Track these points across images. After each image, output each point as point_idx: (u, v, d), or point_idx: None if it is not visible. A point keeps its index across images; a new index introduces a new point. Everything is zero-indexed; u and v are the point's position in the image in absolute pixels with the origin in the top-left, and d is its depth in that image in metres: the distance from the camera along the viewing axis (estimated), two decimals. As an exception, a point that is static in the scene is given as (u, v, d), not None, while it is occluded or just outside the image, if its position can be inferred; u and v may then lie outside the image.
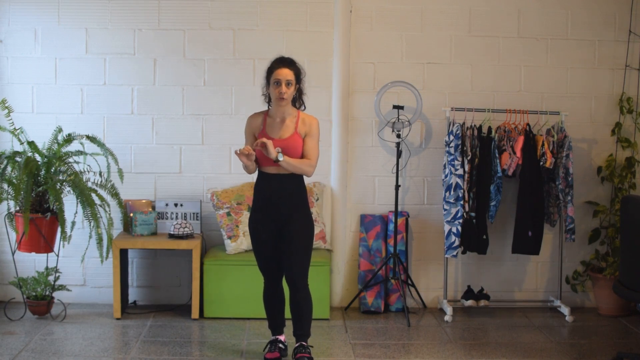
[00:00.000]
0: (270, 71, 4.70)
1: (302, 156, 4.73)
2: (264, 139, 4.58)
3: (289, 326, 5.02)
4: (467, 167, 5.97)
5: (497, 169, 5.96)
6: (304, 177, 4.76)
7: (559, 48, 6.34)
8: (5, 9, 6.08)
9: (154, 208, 6.16)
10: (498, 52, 6.32)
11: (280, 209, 4.71)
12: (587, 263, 6.39)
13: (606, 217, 6.36)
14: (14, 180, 5.47)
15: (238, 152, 4.57)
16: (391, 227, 6.18)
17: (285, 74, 4.65)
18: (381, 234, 6.25)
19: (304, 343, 4.83)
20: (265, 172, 4.73)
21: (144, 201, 6.16)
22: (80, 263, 6.01)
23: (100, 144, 5.76)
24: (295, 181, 4.73)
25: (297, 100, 4.84)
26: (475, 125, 6.03)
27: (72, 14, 6.11)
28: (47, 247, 5.63)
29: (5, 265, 6.15)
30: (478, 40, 6.30)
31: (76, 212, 5.62)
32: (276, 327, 5.00)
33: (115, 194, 5.82)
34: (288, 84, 4.65)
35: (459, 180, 5.92)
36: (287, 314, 4.96)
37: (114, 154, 5.79)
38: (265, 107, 4.90)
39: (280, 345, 4.98)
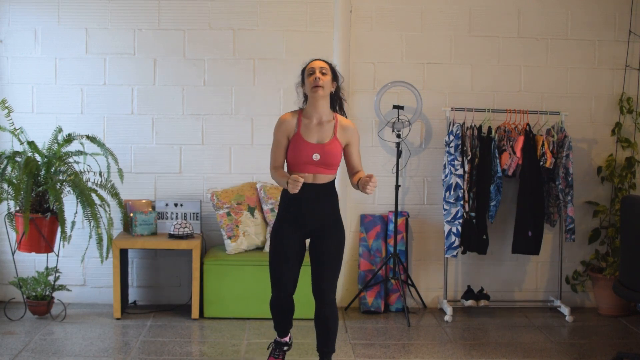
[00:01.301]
0: (304, 70, 4.35)
1: (350, 166, 4.41)
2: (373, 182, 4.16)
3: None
4: (467, 167, 5.97)
5: (497, 169, 5.97)
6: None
7: (559, 48, 6.34)
8: (5, 9, 6.08)
9: (154, 208, 6.16)
10: (498, 52, 6.32)
11: (313, 221, 4.34)
12: (587, 263, 6.39)
13: (606, 217, 6.36)
14: (14, 180, 5.47)
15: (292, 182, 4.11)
16: (391, 227, 6.18)
17: (319, 63, 4.29)
18: (381, 234, 6.25)
19: None
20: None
21: (144, 201, 6.16)
22: (80, 263, 6.01)
23: (100, 144, 5.76)
24: (330, 190, 4.36)
25: (336, 104, 4.42)
26: (475, 125, 6.03)
27: (72, 14, 6.11)
28: (47, 247, 5.63)
29: (5, 265, 6.15)
30: (478, 40, 6.31)
31: (76, 212, 5.63)
32: (283, 330, 4.66)
33: (115, 194, 5.82)
34: (322, 72, 4.25)
35: (459, 180, 5.92)
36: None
37: (114, 154, 5.79)
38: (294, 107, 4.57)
39: (286, 347, 4.72)
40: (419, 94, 6.16)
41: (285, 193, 4.37)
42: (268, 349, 4.82)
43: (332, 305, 4.41)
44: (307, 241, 4.49)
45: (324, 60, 4.35)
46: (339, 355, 5.12)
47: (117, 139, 6.12)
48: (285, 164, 4.40)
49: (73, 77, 6.15)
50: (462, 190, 5.93)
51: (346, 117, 4.46)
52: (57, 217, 5.49)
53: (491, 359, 5.13)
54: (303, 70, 4.36)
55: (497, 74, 6.33)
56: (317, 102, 4.28)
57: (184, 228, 5.90)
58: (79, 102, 6.16)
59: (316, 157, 4.25)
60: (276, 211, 5.97)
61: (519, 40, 6.32)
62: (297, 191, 4.10)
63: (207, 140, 6.22)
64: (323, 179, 4.32)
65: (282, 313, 4.54)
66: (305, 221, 4.34)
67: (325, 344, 4.48)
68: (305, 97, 4.39)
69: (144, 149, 6.21)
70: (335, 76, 4.35)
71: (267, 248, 6.00)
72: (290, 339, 4.75)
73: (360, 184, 4.20)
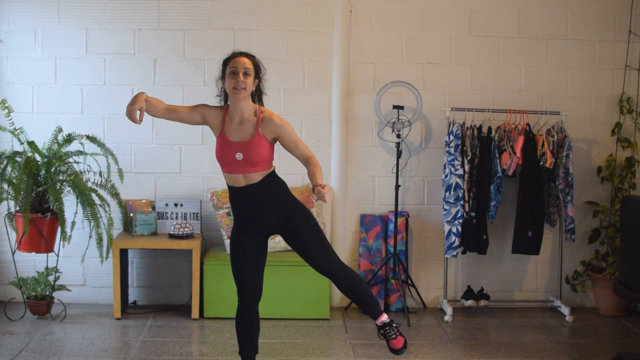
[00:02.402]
0: (225, 62, 4.12)
1: (297, 155, 4.19)
2: (328, 191, 3.95)
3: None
4: (467, 167, 5.97)
5: (497, 169, 5.97)
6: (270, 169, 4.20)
7: (559, 48, 6.34)
8: (5, 9, 6.09)
9: (154, 208, 6.16)
10: (498, 52, 6.32)
11: (266, 217, 4.17)
12: (587, 263, 6.39)
13: (606, 217, 6.36)
14: (14, 180, 5.47)
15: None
16: (391, 227, 6.18)
17: (243, 61, 4.06)
18: (381, 234, 6.25)
19: (386, 321, 4.27)
20: (234, 187, 4.16)
21: (144, 201, 6.16)
22: (80, 263, 6.01)
23: (100, 144, 5.76)
24: (270, 183, 4.17)
25: (255, 97, 4.22)
26: (475, 125, 6.03)
27: (72, 14, 6.11)
28: (47, 247, 5.63)
29: (5, 265, 6.15)
30: (478, 40, 6.31)
31: (76, 212, 5.63)
32: (248, 354, 4.34)
33: (115, 194, 5.82)
34: (246, 73, 4.05)
35: (459, 180, 5.92)
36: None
37: (114, 154, 5.79)
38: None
39: None
40: (418, 94, 6.16)
41: (230, 197, 4.24)
42: None
43: (346, 272, 4.23)
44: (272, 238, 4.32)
45: (247, 56, 4.13)
46: (338, 356, 5.12)
47: (117, 139, 6.12)
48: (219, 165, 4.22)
49: (73, 77, 6.15)
50: (462, 190, 5.93)
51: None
52: (57, 217, 5.49)
53: (491, 359, 5.13)
54: (225, 63, 4.13)
55: (497, 74, 6.33)
56: (238, 102, 4.10)
57: (184, 228, 5.90)
58: (79, 102, 6.17)
59: (239, 156, 4.07)
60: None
61: (519, 40, 6.32)
62: (130, 116, 3.96)
63: (207, 140, 6.22)
64: (254, 177, 4.12)
65: (247, 326, 4.29)
66: (260, 221, 4.19)
67: (367, 303, 4.29)
68: (225, 93, 4.20)
69: (144, 149, 6.21)
70: (257, 73, 4.15)
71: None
72: None
73: (317, 195, 4.01)
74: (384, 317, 4.31)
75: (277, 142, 4.20)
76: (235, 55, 4.13)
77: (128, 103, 4.00)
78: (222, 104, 4.24)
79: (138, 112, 4.00)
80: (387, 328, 4.28)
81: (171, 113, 4.19)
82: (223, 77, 4.15)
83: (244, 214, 4.20)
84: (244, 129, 4.11)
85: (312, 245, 4.20)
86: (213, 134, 4.23)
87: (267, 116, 4.14)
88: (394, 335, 4.30)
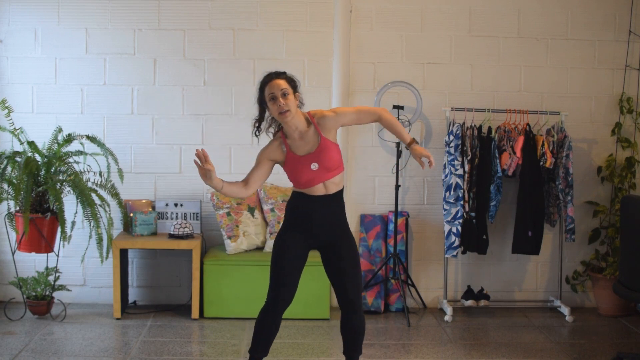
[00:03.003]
0: (261, 89, 4.14)
1: (364, 118, 4.25)
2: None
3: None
4: (467, 167, 5.97)
5: (497, 169, 5.97)
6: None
7: (559, 48, 6.34)
8: (5, 9, 6.09)
9: (154, 208, 6.16)
10: (498, 52, 6.32)
11: (324, 234, 4.22)
12: (587, 263, 6.39)
13: (606, 217, 6.36)
14: (14, 180, 5.47)
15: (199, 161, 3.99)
16: (391, 227, 6.18)
17: (278, 84, 4.06)
18: (381, 234, 6.25)
19: None
20: (311, 195, 4.17)
21: (144, 201, 6.16)
22: (80, 263, 6.01)
23: (100, 144, 5.76)
24: (340, 200, 4.23)
25: None
26: (475, 125, 6.03)
27: (72, 14, 6.11)
28: (47, 247, 5.63)
29: (5, 265, 6.15)
30: (478, 40, 6.31)
31: (76, 212, 5.63)
32: (259, 355, 4.31)
33: (115, 194, 5.82)
34: (284, 94, 4.05)
35: (459, 180, 5.92)
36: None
37: (114, 154, 5.79)
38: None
39: None
40: (418, 94, 6.16)
41: (293, 203, 4.26)
42: None
43: (360, 313, 4.30)
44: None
45: (279, 76, 4.13)
46: (338, 356, 5.12)
47: (117, 139, 6.12)
48: (294, 186, 4.25)
49: (73, 77, 6.15)
50: (462, 190, 5.94)
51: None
52: (57, 217, 5.49)
53: (491, 359, 5.13)
54: (260, 89, 4.14)
55: (497, 74, 6.33)
56: (289, 123, 4.11)
57: (184, 228, 5.90)
58: (79, 102, 6.17)
59: (315, 166, 4.11)
60: (276, 211, 5.98)
61: (519, 40, 6.32)
62: (205, 177, 3.99)
63: (207, 140, 6.22)
64: (333, 185, 4.17)
65: (268, 330, 4.27)
66: (316, 233, 4.21)
67: (354, 349, 4.37)
68: (262, 112, 4.19)
69: (144, 149, 6.21)
70: (294, 88, 4.14)
71: (267, 248, 6.00)
72: None
73: (418, 160, 4.21)
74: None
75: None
76: (267, 80, 4.13)
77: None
78: (257, 125, 4.21)
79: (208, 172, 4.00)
80: None
81: (250, 188, 4.20)
82: (261, 102, 4.14)
83: (305, 219, 4.21)
84: (308, 142, 4.15)
85: (349, 273, 4.24)
86: (280, 166, 4.24)
87: (319, 117, 4.18)
88: None
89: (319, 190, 4.17)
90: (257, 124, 4.21)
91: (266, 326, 4.26)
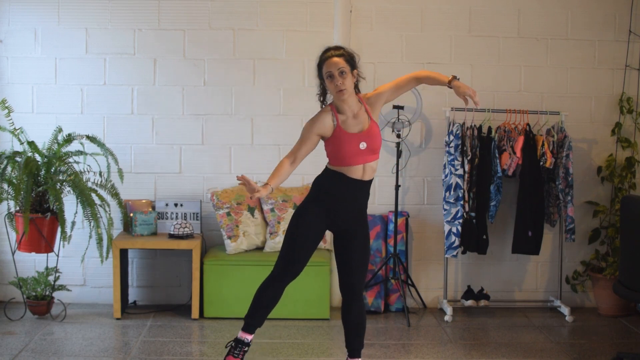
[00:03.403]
0: (319, 66, 4.21)
1: (406, 83, 4.36)
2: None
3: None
4: (467, 167, 5.97)
5: (497, 169, 5.97)
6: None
7: (559, 48, 6.34)
8: (5, 8, 6.08)
9: (153, 208, 6.16)
10: (498, 52, 6.32)
11: (344, 220, 4.27)
12: (587, 263, 6.39)
13: (606, 217, 6.36)
14: (14, 180, 5.47)
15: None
16: (391, 227, 6.18)
17: (336, 62, 4.13)
18: (381, 233, 6.25)
19: None
20: (345, 175, 4.19)
21: (144, 201, 6.16)
22: (80, 263, 6.01)
23: (100, 144, 5.76)
24: (369, 190, 4.31)
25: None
26: (475, 125, 6.03)
27: (72, 14, 6.11)
28: (47, 247, 5.63)
29: (5, 265, 6.15)
30: (478, 40, 6.31)
31: (76, 212, 5.63)
32: (254, 325, 4.40)
33: (115, 194, 5.82)
34: (342, 72, 4.12)
35: (459, 180, 5.92)
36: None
37: (114, 154, 5.79)
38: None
39: (246, 348, 4.42)
40: (418, 94, 6.16)
41: (326, 180, 4.27)
42: (226, 347, 4.51)
43: (362, 303, 4.39)
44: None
45: (338, 53, 4.19)
46: (338, 356, 5.12)
47: (117, 139, 6.12)
48: (331, 161, 4.27)
49: (73, 77, 6.15)
50: (462, 190, 5.93)
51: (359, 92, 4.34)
52: (57, 217, 5.49)
53: (491, 359, 5.13)
54: (319, 66, 4.22)
55: (497, 74, 6.33)
56: (345, 101, 4.19)
57: (184, 228, 5.90)
58: (79, 102, 6.16)
59: (363, 145, 4.17)
60: (276, 211, 5.98)
61: (519, 40, 6.32)
62: (253, 198, 4.06)
63: (207, 140, 6.22)
64: (370, 171, 4.24)
65: (268, 300, 4.35)
66: (339, 215, 4.26)
67: (356, 340, 4.41)
68: (323, 89, 4.29)
69: (144, 149, 6.21)
70: (352, 65, 4.20)
71: (267, 248, 6.00)
72: (251, 340, 4.47)
73: (464, 96, 4.28)
74: (360, 354, 4.45)
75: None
76: (325, 58, 4.20)
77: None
78: (321, 100, 4.31)
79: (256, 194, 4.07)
80: None
81: (296, 164, 4.25)
82: (320, 77, 4.23)
83: (333, 199, 4.24)
84: (360, 121, 4.22)
85: (359, 264, 4.32)
86: (322, 140, 4.26)
87: (367, 99, 4.28)
88: None
89: (357, 172, 4.21)
90: (321, 99, 4.32)
91: (268, 297, 4.36)
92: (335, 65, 4.13)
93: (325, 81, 4.18)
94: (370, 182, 4.29)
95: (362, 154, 4.19)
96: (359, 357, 4.45)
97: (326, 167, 4.31)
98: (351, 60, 4.20)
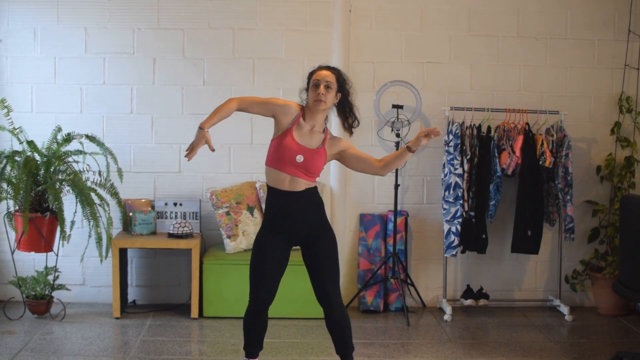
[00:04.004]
0: (310, 75, 4.27)
1: (364, 161, 4.30)
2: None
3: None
4: (466, 167, 5.97)
5: (497, 168, 5.97)
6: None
7: (558, 47, 6.34)
8: (5, 8, 6.08)
9: (153, 207, 6.16)
10: (497, 51, 6.32)
11: (299, 229, 4.24)
12: (586, 262, 6.39)
13: (605, 217, 6.36)
14: (13, 180, 5.47)
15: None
16: (390, 226, 6.18)
17: (326, 75, 4.20)
18: (380, 233, 6.25)
19: None
20: (278, 189, 4.20)
21: (143, 200, 6.16)
22: (80, 262, 6.01)
23: (100, 144, 5.76)
24: (312, 198, 4.26)
25: (345, 117, 4.33)
26: (474, 125, 6.03)
27: (72, 14, 6.11)
28: (47, 247, 5.63)
29: (5, 265, 6.15)
30: (477, 39, 6.31)
31: (75, 211, 5.62)
32: (254, 350, 4.42)
33: (114, 194, 5.82)
34: (327, 86, 4.16)
35: (458, 180, 5.93)
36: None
37: (113, 154, 5.79)
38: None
39: None
40: (418, 94, 6.16)
41: (268, 202, 4.29)
42: None
43: (340, 308, 4.38)
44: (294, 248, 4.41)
45: (332, 71, 4.26)
46: (337, 355, 5.11)
47: (116, 139, 6.12)
48: (268, 160, 4.26)
49: (72, 77, 6.15)
50: (461, 190, 5.94)
51: (357, 122, 4.36)
52: (57, 217, 5.49)
53: (490, 358, 5.13)
54: (310, 75, 4.28)
55: (496, 74, 6.33)
56: (316, 114, 4.22)
57: (183, 227, 5.90)
58: (79, 101, 6.16)
59: (300, 158, 4.16)
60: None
61: (518, 40, 6.32)
62: (190, 153, 4.08)
63: (206, 140, 6.21)
64: (300, 184, 4.20)
65: (256, 328, 4.37)
66: (291, 230, 4.25)
67: (344, 346, 4.43)
68: (307, 103, 4.29)
69: (143, 148, 6.21)
70: (341, 87, 4.25)
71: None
72: None
73: (424, 140, 4.22)
74: (352, 356, 4.45)
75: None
76: (320, 68, 4.27)
77: (193, 141, 4.11)
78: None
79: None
80: None
81: (243, 110, 4.30)
82: (307, 89, 4.26)
83: (277, 219, 4.25)
84: (313, 138, 4.23)
85: (326, 268, 4.30)
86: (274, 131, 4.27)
87: (333, 136, 4.31)
88: None
89: (284, 183, 4.19)
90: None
91: (253, 325, 4.36)
92: (324, 77, 4.19)
93: (310, 89, 4.21)
94: (309, 190, 4.25)
95: (295, 165, 4.18)
96: (352, 359, 4.45)
97: (267, 185, 4.31)
98: (342, 82, 4.26)
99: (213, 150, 4.17)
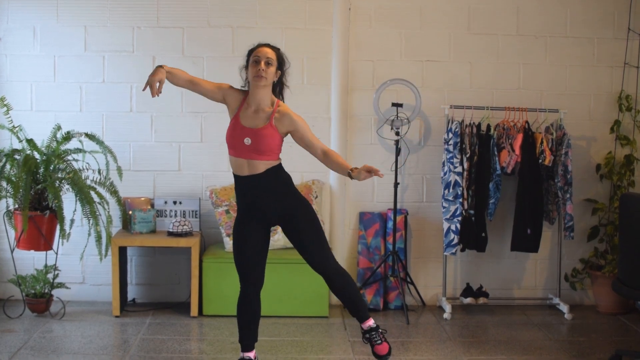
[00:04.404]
0: (250, 52, 4.29)
1: (312, 148, 4.34)
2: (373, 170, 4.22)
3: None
4: (466, 165, 5.97)
5: (496, 167, 5.97)
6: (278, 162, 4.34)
7: (557, 46, 6.34)
8: (4, 6, 6.08)
9: (152, 206, 6.16)
10: (497, 49, 6.32)
11: (268, 209, 4.29)
12: (586, 261, 6.39)
13: (605, 215, 6.36)
14: (12, 178, 5.47)
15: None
16: (390, 224, 6.18)
17: (266, 51, 4.23)
18: (380, 231, 6.25)
19: (372, 326, 4.44)
20: (240, 176, 4.28)
21: (143, 199, 6.16)
22: (79, 261, 6.01)
23: (99, 142, 5.76)
24: (275, 175, 4.28)
25: (277, 89, 4.38)
26: (474, 123, 6.03)
27: (71, 12, 6.11)
28: (46, 245, 5.63)
29: (4, 263, 6.15)
30: (477, 37, 6.31)
31: (75, 209, 5.62)
32: (248, 342, 4.44)
33: (114, 192, 5.82)
34: (268, 63, 4.20)
35: (457, 178, 5.93)
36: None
37: (112, 152, 5.79)
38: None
39: None
40: (417, 92, 6.16)
41: (236, 189, 4.37)
42: None
43: (339, 272, 4.40)
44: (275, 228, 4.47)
45: (272, 47, 4.30)
46: (337, 354, 5.13)
47: (116, 137, 6.12)
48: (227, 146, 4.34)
49: (72, 75, 6.15)
50: (461, 188, 5.94)
51: (283, 102, 4.40)
52: (56, 215, 5.49)
53: (490, 356, 5.13)
54: (249, 52, 4.30)
55: (496, 72, 6.33)
56: (258, 90, 4.25)
57: (182, 226, 5.90)
58: (78, 99, 6.16)
59: (247, 141, 4.20)
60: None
61: (517, 38, 6.32)
62: (149, 87, 4.14)
63: (206, 138, 6.22)
64: (258, 166, 4.24)
65: (248, 315, 4.39)
66: (262, 212, 4.31)
67: (354, 307, 4.45)
68: (248, 81, 4.35)
69: (142, 146, 6.21)
70: (281, 64, 4.30)
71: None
72: (256, 357, 4.51)
73: (364, 177, 4.24)
74: (371, 322, 4.47)
75: (290, 137, 4.35)
76: (260, 45, 4.30)
77: (149, 74, 4.16)
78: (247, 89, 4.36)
79: (157, 84, 4.14)
80: (373, 333, 4.45)
81: (194, 85, 4.36)
82: (247, 67, 4.30)
83: (246, 203, 4.32)
84: (258, 117, 4.25)
85: (309, 239, 4.33)
86: (228, 116, 4.36)
87: (282, 110, 4.29)
88: (379, 341, 4.47)
89: (243, 168, 4.25)
90: (246, 85, 4.36)
91: (246, 314, 4.39)
92: (264, 54, 4.23)
93: (250, 65, 4.24)
94: (270, 169, 4.26)
95: (246, 149, 4.22)
96: (368, 317, 4.46)
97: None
98: (281, 60, 4.31)
99: (157, 95, 4.18)
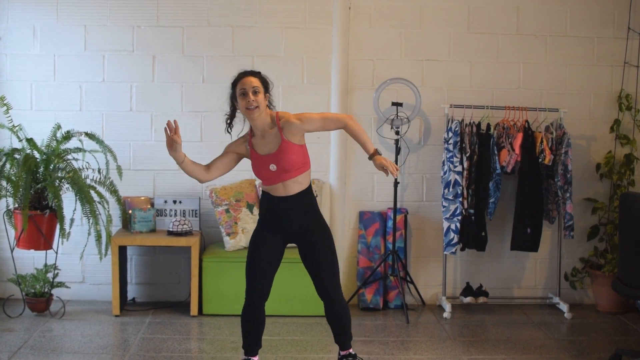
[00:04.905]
0: (233, 85, 4.29)
1: (328, 126, 4.37)
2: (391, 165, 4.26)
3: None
4: (466, 164, 5.97)
5: (496, 166, 5.97)
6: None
7: (557, 45, 6.34)
8: (4, 6, 6.08)
9: (152, 205, 6.16)
10: (497, 49, 6.32)
11: (291, 226, 4.33)
12: (585, 260, 6.40)
13: (605, 214, 6.36)
14: (12, 177, 5.47)
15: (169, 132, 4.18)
16: (390, 224, 6.18)
17: (250, 81, 4.21)
18: (380, 230, 6.25)
19: (351, 352, 4.53)
20: (273, 195, 4.31)
21: (142, 198, 6.16)
22: (79, 260, 6.01)
23: (99, 141, 5.76)
24: (302, 197, 4.32)
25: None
26: (474, 122, 6.03)
27: (71, 11, 6.11)
28: (46, 244, 5.63)
29: (4, 263, 6.15)
30: (477, 37, 6.30)
31: (75, 209, 5.63)
32: (252, 348, 4.49)
33: (114, 191, 5.82)
34: (255, 92, 4.19)
35: (457, 177, 5.93)
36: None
37: (112, 151, 5.79)
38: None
39: None
40: (417, 91, 6.16)
41: (262, 203, 4.41)
42: None
43: (340, 302, 4.45)
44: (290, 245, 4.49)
45: (253, 74, 4.28)
46: (336, 352, 5.11)
47: (115, 136, 6.12)
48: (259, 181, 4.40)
49: (72, 74, 6.15)
50: (461, 187, 5.94)
51: (276, 110, 4.40)
52: (56, 214, 5.49)
53: (490, 355, 5.13)
54: (233, 85, 4.30)
55: (496, 71, 6.33)
56: (255, 121, 4.26)
57: (182, 225, 5.90)
58: (78, 99, 6.16)
59: (273, 167, 4.23)
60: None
61: (517, 37, 6.32)
62: (171, 149, 4.22)
63: (205, 137, 6.21)
64: (293, 186, 4.28)
65: (253, 323, 4.43)
66: (287, 230, 4.34)
67: (342, 336, 4.51)
68: (232, 112, 4.37)
69: (142, 145, 6.21)
70: (266, 88, 4.29)
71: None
72: None
73: (379, 169, 4.30)
74: (351, 350, 4.55)
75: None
76: (241, 76, 4.28)
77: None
78: (229, 122, 4.40)
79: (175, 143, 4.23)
80: (350, 359, 4.54)
81: (211, 172, 4.40)
82: (233, 98, 4.31)
83: (272, 220, 4.36)
84: (269, 142, 4.27)
85: (323, 266, 4.38)
86: (249, 160, 4.40)
87: (285, 121, 4.26)
88: None
89: (279, 190, 4.30)
90: (228, 121, 4.40)
91: (250, 322, 4.44)
92: (249, 84, 4.21)
93: (238, 99, 4.24)
94: (302, 192, 4.31)
95: (275, 174, 4.26)
96: (349, 347, 4.54)
97: (261, 188, 4.44)
98: (265, 83, 4.29)
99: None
